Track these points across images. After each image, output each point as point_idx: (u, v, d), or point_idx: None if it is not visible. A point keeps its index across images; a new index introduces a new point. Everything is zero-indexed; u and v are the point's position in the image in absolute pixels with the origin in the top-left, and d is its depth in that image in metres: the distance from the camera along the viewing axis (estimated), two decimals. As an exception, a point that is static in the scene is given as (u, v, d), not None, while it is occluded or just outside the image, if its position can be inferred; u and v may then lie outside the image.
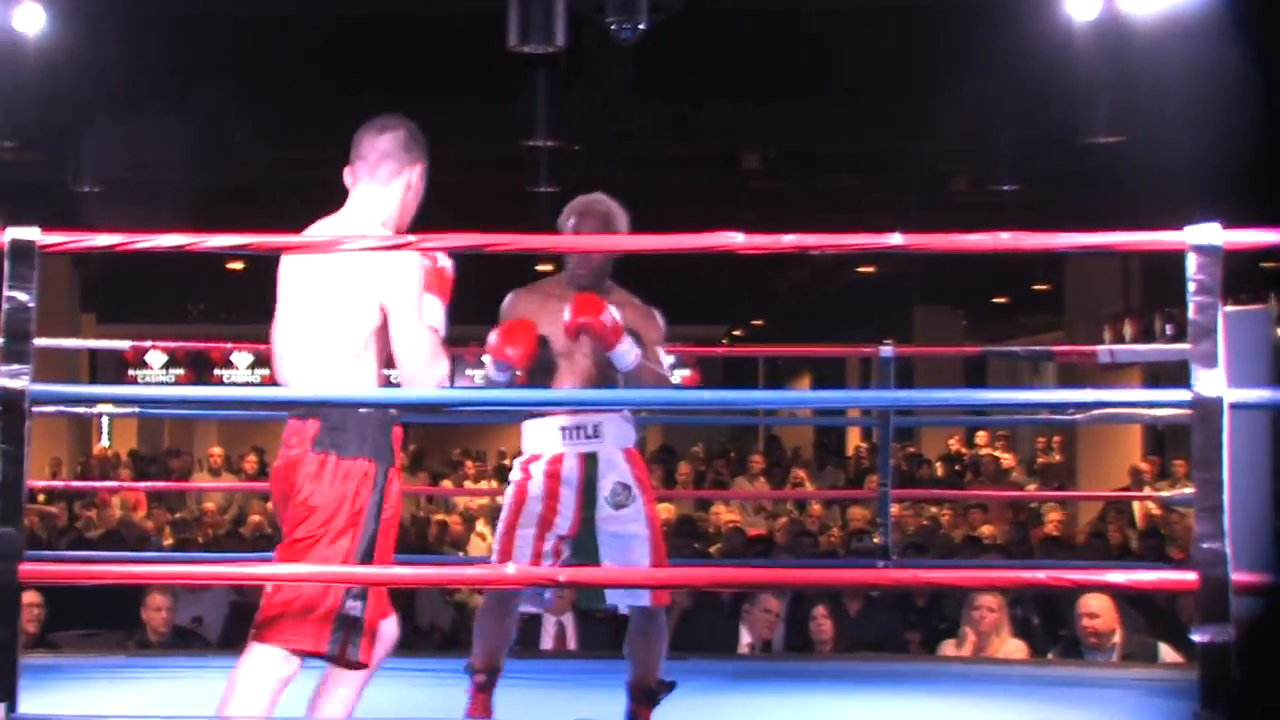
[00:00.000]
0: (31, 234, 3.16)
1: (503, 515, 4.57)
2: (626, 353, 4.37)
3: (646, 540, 4.49)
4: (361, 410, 3.57)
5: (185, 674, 6.16)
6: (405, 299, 3.62)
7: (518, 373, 4.50)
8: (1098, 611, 6.63)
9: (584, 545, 4.49)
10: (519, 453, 4.67)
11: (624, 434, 4.58)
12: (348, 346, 3.63)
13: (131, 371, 18.89)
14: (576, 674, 6.02)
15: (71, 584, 6.58)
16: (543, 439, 4.61)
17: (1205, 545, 2.99)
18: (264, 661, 3.53)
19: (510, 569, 3.19)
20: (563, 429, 4.56)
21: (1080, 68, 9.22)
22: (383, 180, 3.78)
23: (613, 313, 4.35)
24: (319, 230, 3.73)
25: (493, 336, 4.42)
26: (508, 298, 4.67)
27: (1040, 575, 3.35)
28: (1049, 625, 7.61)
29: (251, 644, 3.56)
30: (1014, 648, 7.03)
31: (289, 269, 3.77)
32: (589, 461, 4.54)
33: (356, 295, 3.63)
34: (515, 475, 4.61)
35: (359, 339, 3.64)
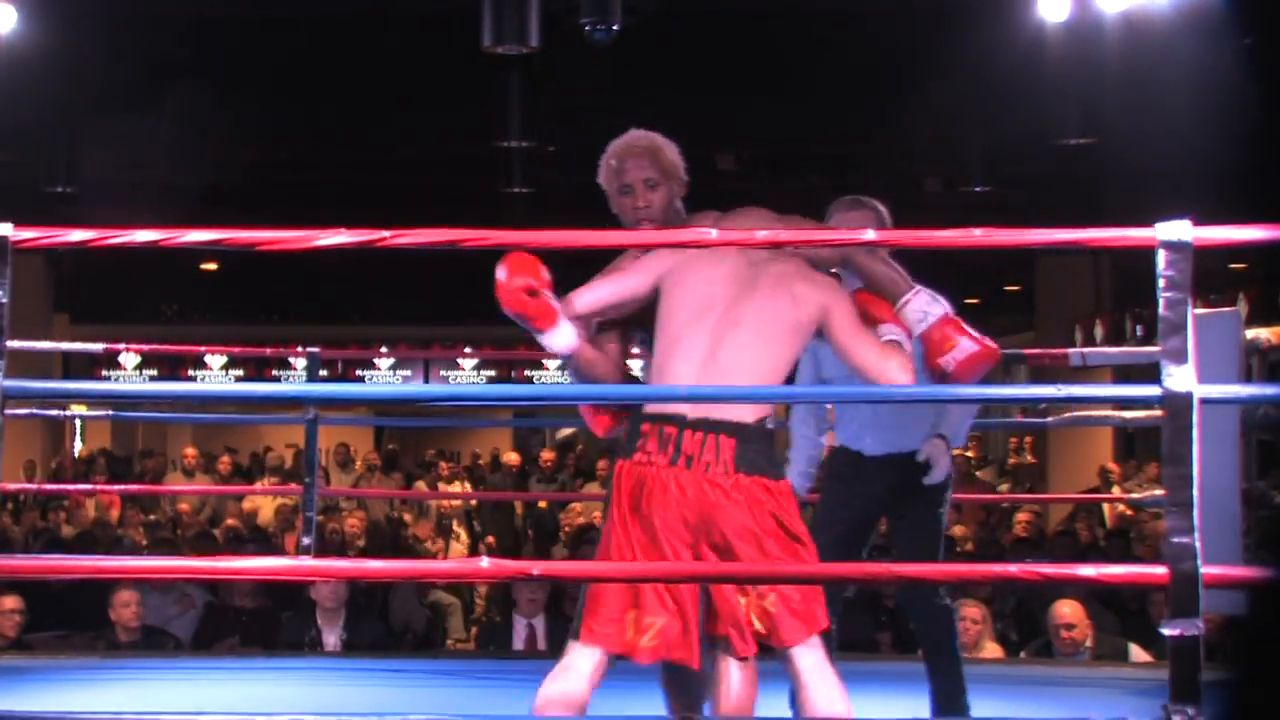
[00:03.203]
0: (4, 229, 3.15)
1: None
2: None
3: None
4: (769, 426, 3.57)
5: (162, 675, 6.16)
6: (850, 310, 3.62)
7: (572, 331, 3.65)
8: (1074, 622, 6.70)
9: None
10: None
11: None
12: (788, 355, 3.61)
13: (105, 372, 18.80)
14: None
15: (46, 584, 6.61)
16: None
17: (1175, 540, 3.00)
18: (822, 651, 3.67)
19: (484, 563, 3.18)
20: None
21: (1051, 70, 9.26)
22: None
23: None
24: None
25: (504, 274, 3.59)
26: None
27: (1012, 569, 3.37)
28: (1026, 639, 7.65)
29: (792, 646, 3.67)
30: (989, 649, 7.08)
31: (709, 266, 3.62)
32: None
33: (799, 305, 3.60)
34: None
35: (796, 350, 3.63)
